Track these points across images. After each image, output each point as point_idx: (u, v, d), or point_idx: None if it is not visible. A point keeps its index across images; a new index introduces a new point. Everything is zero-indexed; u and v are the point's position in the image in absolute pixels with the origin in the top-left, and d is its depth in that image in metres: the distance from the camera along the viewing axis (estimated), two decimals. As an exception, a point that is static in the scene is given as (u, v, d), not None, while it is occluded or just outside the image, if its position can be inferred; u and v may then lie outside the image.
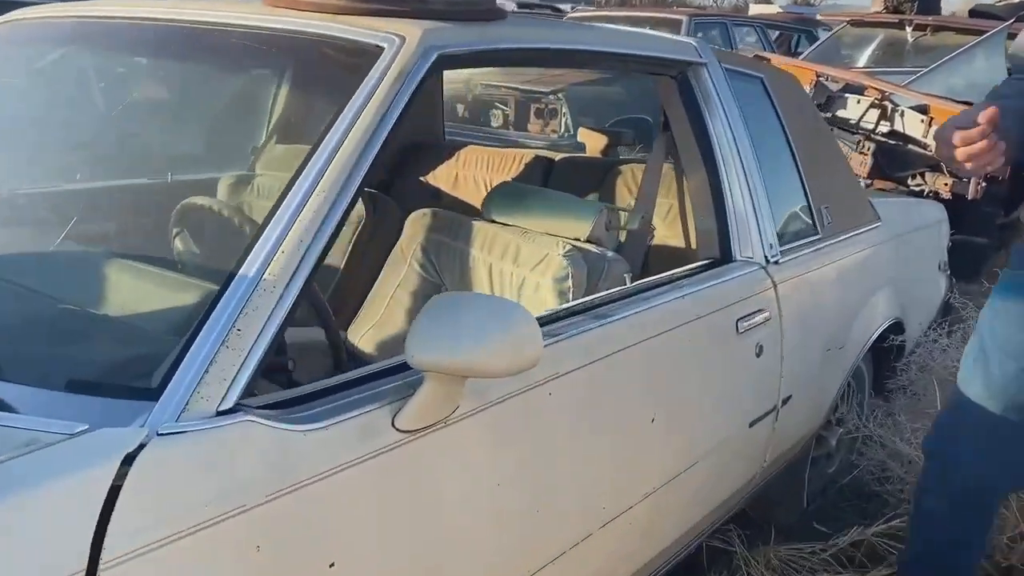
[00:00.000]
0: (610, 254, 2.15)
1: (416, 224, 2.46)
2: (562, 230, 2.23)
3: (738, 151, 2.24)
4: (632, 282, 2.06)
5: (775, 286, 2.25)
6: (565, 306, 1.75)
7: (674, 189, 2.51)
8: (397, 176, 3.60)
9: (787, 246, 2.37)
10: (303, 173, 1.32)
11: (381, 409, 1.26)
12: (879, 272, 2.88)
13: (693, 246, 2.40)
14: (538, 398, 1.52)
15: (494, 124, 6.81)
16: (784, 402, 2.33)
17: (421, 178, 3.52)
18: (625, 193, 2.85)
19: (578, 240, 2.20)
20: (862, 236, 2.77)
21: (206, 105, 1.75)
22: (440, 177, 3.49)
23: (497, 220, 2.34)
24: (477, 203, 3.37)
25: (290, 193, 1.30)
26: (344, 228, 2.71)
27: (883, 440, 3.00)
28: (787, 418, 2.36)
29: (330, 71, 1.55)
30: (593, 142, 3.28)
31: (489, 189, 3.38)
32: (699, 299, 1.99)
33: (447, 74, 7.06)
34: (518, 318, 1.27)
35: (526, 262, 2.20)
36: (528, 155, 3.33)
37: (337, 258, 2.70)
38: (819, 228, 2.53)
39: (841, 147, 5.50)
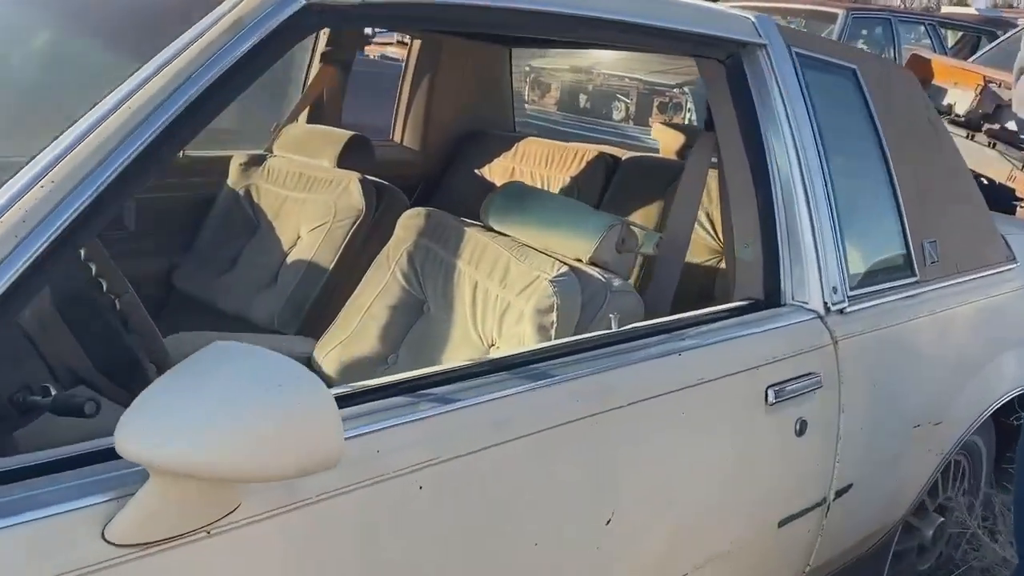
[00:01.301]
0: (617, 283, 1.67)
1: (407, 225, 2.05)
2: (565, 247, 1.77)
3: (799, 160, 1.70)
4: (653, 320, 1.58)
5: (835, 343, 1.70)
6: (478, 360, 1.29)
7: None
8: (451, 165, 3.21)
9: (864, 290, 1.80)
10: (38, 156, 0.92)
11: (86, 509, 0.85)
12: (1008, 327, 2.24)
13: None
14: (397, 495, 1.07)
15: (616, 117, 6.33)
16: (840, 493, 1.77)
17: (476, 170, 3.11)
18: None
19: (580, 261, 1.73)
20: (984, 280, 2.14)
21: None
22: (495, 170, 3.07)
23: (495, 228, 1.90)
24: (532, 203, 2.93)
25: (9, 182, 0.90)
26: (340, 222, 2.38)
27: (994, 535, 2.37)
28: (844, 512, 1.81)
29: (167, 20, 1.15)
30: (669, 140, 2.76)
31: (547, 186, 2.94)
32: (708, 357, 1.48)
33: (570, 60, 6.62)
34: (296, 394, 0.83)
35: (513, 284, 1.76)
36: (590, 152, 2.87)
37: (328, 257, 2.33)
38: (917, 268, 1.94)
39: (1005, 165, 4.69)
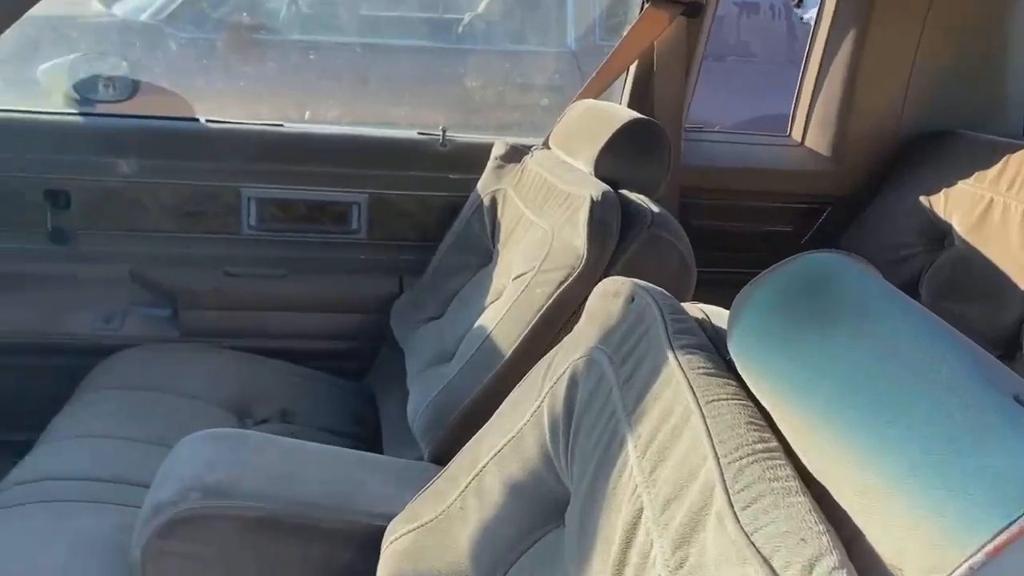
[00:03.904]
0: None
1: (594, 311, 0.94)
2: (896, 516, 0.53)
3: None
4: None
5: None
6: None
7: None
8: (883, 186, 1.91)
9: None
10: None
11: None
12: None
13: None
14: None
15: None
16: None
17: (922, 197, 1.80)
18: None
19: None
20: None
21: None
22: (954, 202, 1.77)
23: (746, 379, 0.72)
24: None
25: None
26: (545, 275, 1.33)
27: None
28: None
29: None
30: None
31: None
32: None
33: None
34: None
35: (702, 563, 0.59)
36: None
37: (508, 338, 1.32)
38: None
39: None
